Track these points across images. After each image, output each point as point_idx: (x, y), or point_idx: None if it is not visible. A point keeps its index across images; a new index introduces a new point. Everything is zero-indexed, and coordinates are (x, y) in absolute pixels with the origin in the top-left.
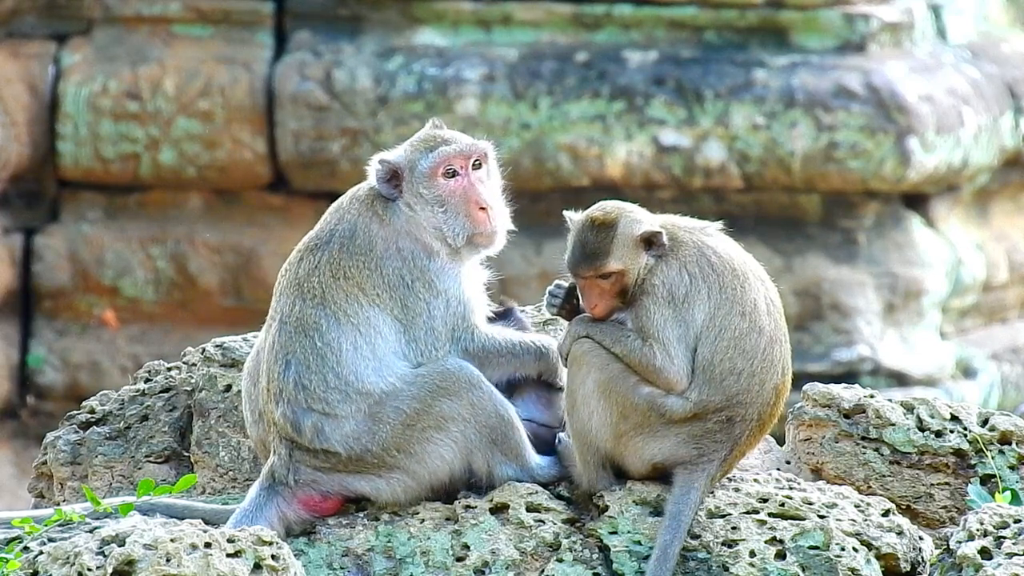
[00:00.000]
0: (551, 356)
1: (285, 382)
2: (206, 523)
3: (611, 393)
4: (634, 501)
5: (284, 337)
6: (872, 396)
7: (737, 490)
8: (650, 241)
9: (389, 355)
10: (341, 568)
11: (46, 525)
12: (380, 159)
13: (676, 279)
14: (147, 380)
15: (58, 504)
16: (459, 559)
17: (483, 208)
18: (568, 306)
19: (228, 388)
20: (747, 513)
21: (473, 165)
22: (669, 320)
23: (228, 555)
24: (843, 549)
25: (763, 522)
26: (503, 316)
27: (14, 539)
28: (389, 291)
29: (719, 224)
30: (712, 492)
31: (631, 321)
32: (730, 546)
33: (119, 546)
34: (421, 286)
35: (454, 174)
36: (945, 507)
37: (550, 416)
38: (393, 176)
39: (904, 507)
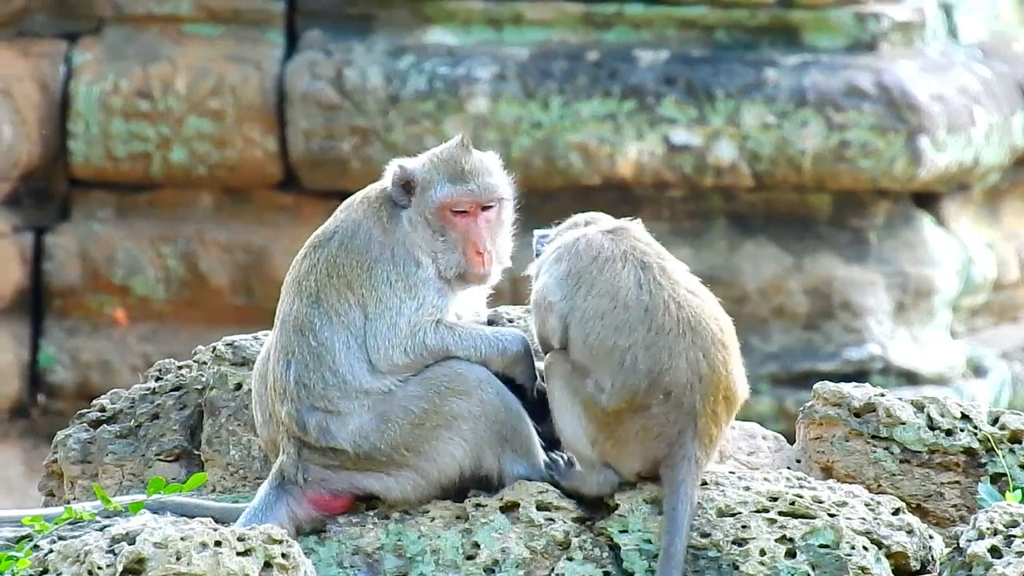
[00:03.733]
0: (512, 353)
1: (287, 381)
2: (216, 522)
3: (573, 396)
4: (644, 500)
5: (284, 336)
6: (882, 395)
7: (747, 488)
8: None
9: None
10: (351, 567)
11: (56, 524)
12: (399, 164)
13: (543, 264)
14: (158, 379)
15: (68, 503)
16: (469, 557)
17: (480, 252)
18: None
19: (239, 387)
20: (757, 512)
21: (483, 207)
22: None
23: (238, 553)
24: (853, 548)
25: (773, 521)
26: None
27: (24, 537)
28: (372, 291)
29: (635, 220)
30: (705, 484)
31: None
32: (740, 544)
33: (129, 544)
34: (402, 288)
35: (463, 212)
36: (955, 506)
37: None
38: (407, 184)
39: (914, 506)
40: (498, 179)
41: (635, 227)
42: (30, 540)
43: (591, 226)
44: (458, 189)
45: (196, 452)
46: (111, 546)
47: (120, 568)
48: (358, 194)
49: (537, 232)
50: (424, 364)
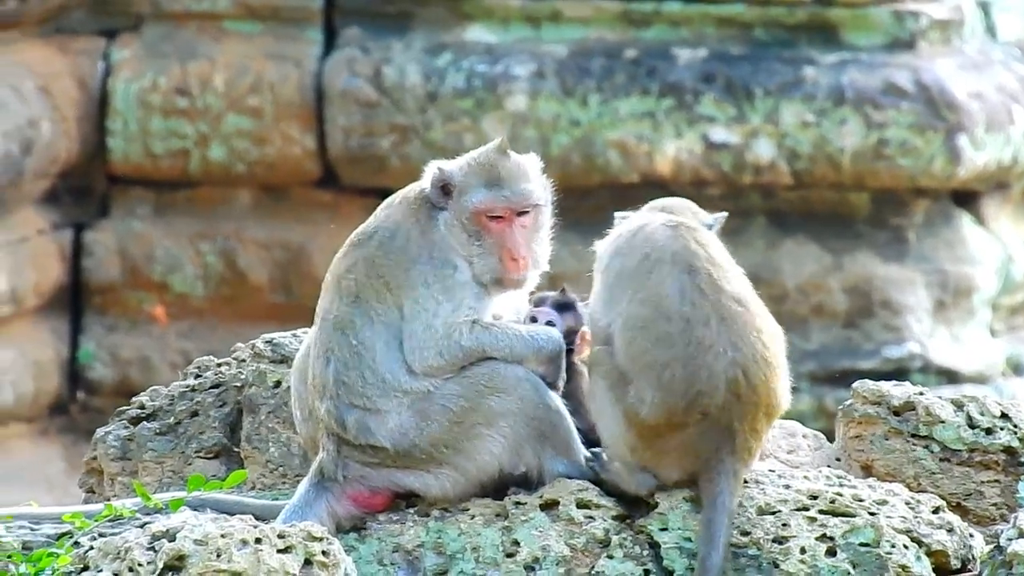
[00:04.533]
0: (547, 352)
1: (327, 378)
2: (256, 519)
3: (616, 403)
4: (684, 498)
5: (325, 334)
6: (922, 393)
7: (787, 487)
8: None
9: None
10: (392, 564)
11: (97, 520)
12: (438, 166)
13: (603, 258)
14: (197, 376)
15: (108, 499)
16: (509, 555)
17: (515, 259)
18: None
19: (278, 384)
20: (797, 510)
21: (519, 212)
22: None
23: (278, 551)
24: (893, 546)
25: (813, 519)
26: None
27: (64, 534)
28: (410, 292)
29: (717, 216)
30: (746, 483)
31: None
32: (780, 543)
33: (169, 541)
34: (439, 289)
35: (498, 217)
36: (995, 504)
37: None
38: (445, 187)
39: (954, 504)
40: (535, 184)
41: (699, 222)
42: (70, 537)
43: (658, 215)
44: (493, 195)
45: (236, 449)
46: (151, 543)
47: (161, 565)
48: (398, 194)
49: (619, 215)
50: (460, 365)
